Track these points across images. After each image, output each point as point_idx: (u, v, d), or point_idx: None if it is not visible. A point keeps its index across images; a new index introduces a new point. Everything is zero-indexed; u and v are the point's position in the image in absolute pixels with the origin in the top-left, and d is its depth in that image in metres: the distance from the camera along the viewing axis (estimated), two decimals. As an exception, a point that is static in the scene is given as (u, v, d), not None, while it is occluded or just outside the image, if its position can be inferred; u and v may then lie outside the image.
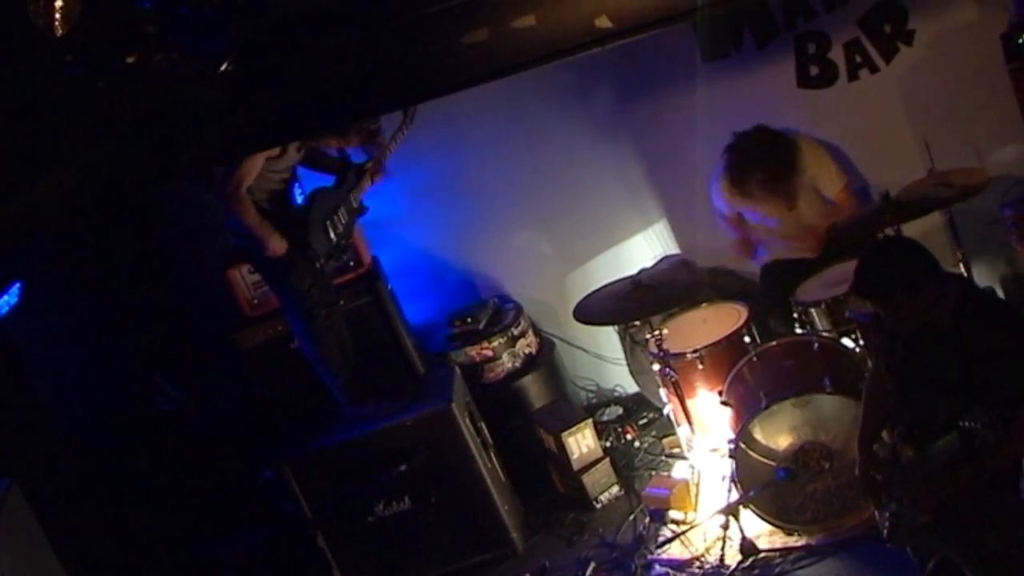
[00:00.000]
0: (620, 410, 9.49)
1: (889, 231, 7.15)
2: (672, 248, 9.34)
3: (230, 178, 7.57)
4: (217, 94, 5.32)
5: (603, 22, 5.62)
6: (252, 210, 7.69)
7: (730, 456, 7.16)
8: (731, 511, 7.13)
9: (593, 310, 8.07)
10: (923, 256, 5.51)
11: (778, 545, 7.19)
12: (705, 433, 7.90)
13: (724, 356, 7.78)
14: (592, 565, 7.62)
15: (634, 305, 7.85)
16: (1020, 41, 7.21)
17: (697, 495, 7.81)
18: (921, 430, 5.57)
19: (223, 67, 4.79)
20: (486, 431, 8.45)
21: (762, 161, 8.07)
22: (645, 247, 9.42)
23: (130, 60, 4.39)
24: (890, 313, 5.51)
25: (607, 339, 9.47)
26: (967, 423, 5.37)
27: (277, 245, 7.77)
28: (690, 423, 7.88)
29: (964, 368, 5.38)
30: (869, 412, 6.09)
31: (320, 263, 8.00)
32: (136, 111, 5.27)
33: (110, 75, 4.56)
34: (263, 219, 7.73)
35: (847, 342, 7.55)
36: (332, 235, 8.11)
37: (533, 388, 9.12)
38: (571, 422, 8.39)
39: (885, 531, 5.77)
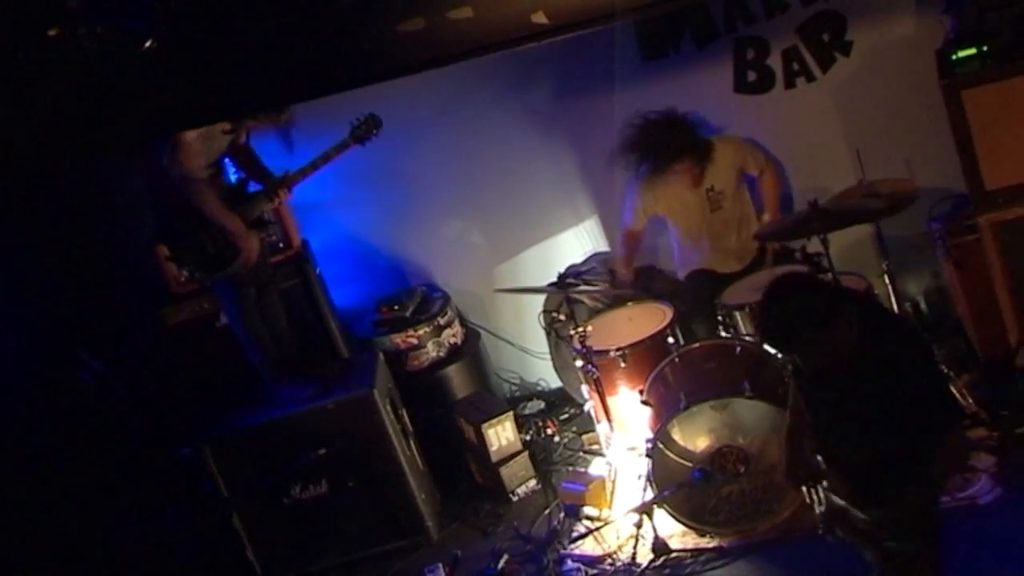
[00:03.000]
0: (542, 404, 9.53)
1: (816, 239, 7.19)
2: (602, 246, 9.36)
3: (171, 161, 7.54)
4: (141, 71, 5.29)
5: (540, 18, 5.64)
6: (214, 200, 7.69)
7: (647, 455, 7.17)
8: (645, 510, 7.14)
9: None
10: (821, 289, 5.45)
11: (690, 546, 7.20)
12: (624, 431, 7.93)
13: (647, 355, 7.81)
14: (505, 557, 7.59)
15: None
16: (954, 57, 7.26)
17: (613, 492, 7.84)
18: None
19: (147, 44, 4.76)
20: (407, 419, 8.44)
21: (676, 136, 8.21)
22: (575, 243, 9.44)
23: (52, 33, 4.36)
24: (804, 354, 5.28)
25: (532, 333, 9.48)
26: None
27: (248, 244, 7.86)
28: (610, 421, 7.90)
29: (886, 385, 5.25)
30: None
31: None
32: (57, 85, 5.24)
33: (31, 48, 4.52)
34: (229, 210, 7.74)
35: (769, 347, 7.59)
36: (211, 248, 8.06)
37: (456, 378, 9.14)
38: (492, 414, 8.40)
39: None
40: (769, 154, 8.65)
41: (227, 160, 8.20)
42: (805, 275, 5.66)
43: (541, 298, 9.12)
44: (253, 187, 8.16)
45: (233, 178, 8.31)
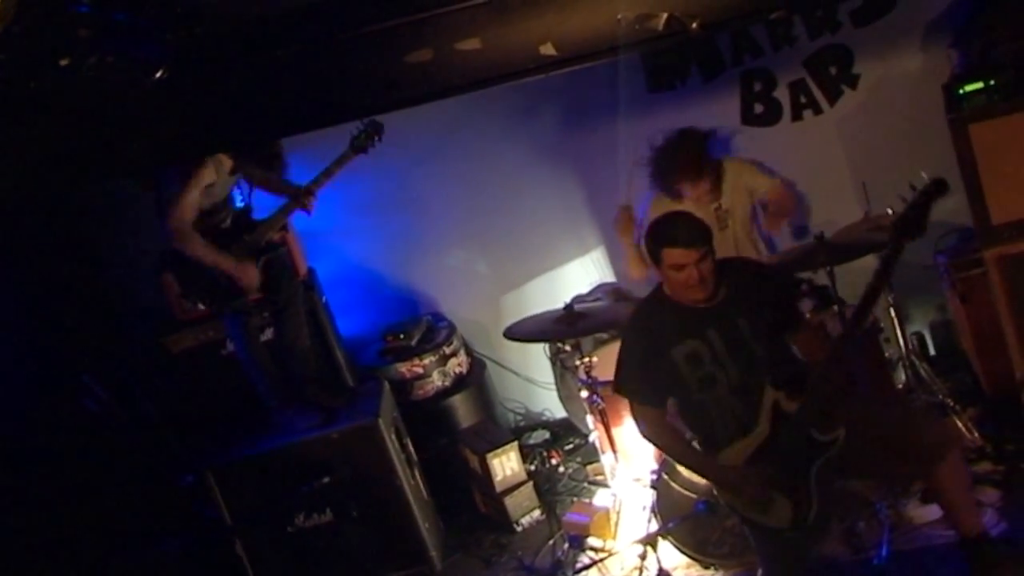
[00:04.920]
0: (547, 434, 9.52)
1: (823, 272, 7.21)
2: (608, 276, 9.36)
3: (171, 215, 7.56)
4: (151, 101, 5.31)
5: (548, 49, 5.65)
6: (199, 245, 7.69)
7: (652, 486, 7.17)
8: (649, 541, 7.13)
9: (522, 329, 8.08)
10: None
11: (694, 577, 7.20)
12: (629, 462, 7.91)
13: (652, 386, 7.79)
14: (508, 588, 7.62)
15: (563, 328, 7.88)
16: (960, 92, 7.27)
17: (617, 523, 7.81)
18: (782, 380, 5.82)
19: (158, 74, 4.78)
20: (411, 448, 8.44)
21: (690, 153, 8.13)
22: (581, 274, 9.45)
23: (63, 63, 4.37)
24: (696, 264, 5.76)
25: (538, 363, 9.47)
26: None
27: (246, 273, 7.88)
28: (615, 451, 7.88)
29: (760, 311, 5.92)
30: (681, 442, 6.35)
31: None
32: (68, 114, 5.25)
33: (42, 77, 4.54)
34: (217, 250, 7.75)
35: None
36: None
37: (461, 407, 9.12)
38: (497, 443, 8.40)
39: (797, 518, 5.93)
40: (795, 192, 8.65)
41: (239, 194, 8.22)
42: None
43: (547, 328, 9.12)
44: (258, 214, 8.17)
45: (239, 202, 8.32)
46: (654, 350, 6.05)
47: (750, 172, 8.43)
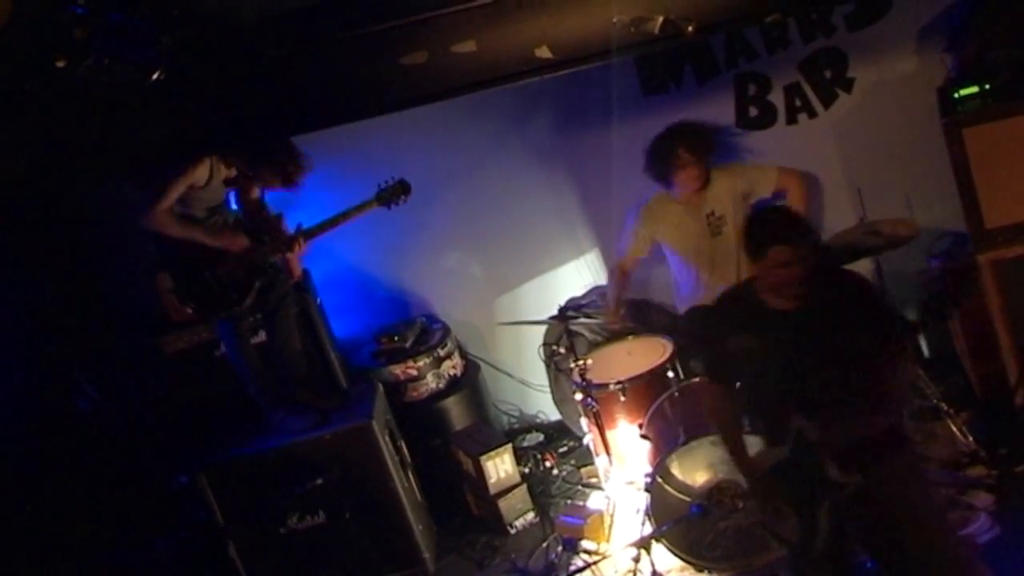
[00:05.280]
0: (541, 437, 9.51)
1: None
2: (602, 279, 9.35)
3: (153, 202, 7.55)
4: (147, 102, 5.31)
5: (543, 52, 5.67)
6: (175, 224, 7.66)
7: (646, 489, 7.19)
8: (643, 544, 7.12)
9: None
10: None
11: (687, 580, 7.21)
12: (623, 465, 7.92)
13: (646, 389, 7.81)
14: (501, 590, 7.63)
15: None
16: (955, 96, 7.29)
17: (611, 526, 7.83)
18: (818, 406, 5.61)
19: (154, 75, 4.78)
20: (405, 450, 8.43)
21: (683, 141, 8.18)
22: (575, 276, 9.45)
23: (59, 64, 4.37)
24: (794, 262, 5.50)
25: (532, 365, 9.48)
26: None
27: (235, 242, 7.82)
28: (609, 454, 7.90)
29: (834, 334, 5.54)
30: (733, 434, 6.16)
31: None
32: (64, 115, 5.25)
33: (38, 78, 4.54)
34: (192, 224, 7.71)
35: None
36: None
37: (455, 409, 9.12)
38: (491, 446, 8.39)
39: (803, 542, 5.79)
40: (798, 171, 8.62)
41: (233, 199, 8.21)
42: None
43: (541, 330, 9.11)
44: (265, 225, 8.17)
45: (235, 208, 8.31)
46: (722, 331, 5.93)
47: (741, 173, 8.44)
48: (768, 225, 5.65)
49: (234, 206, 8.28)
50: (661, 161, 8.24)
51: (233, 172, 7.74)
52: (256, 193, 8.17)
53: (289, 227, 8.04)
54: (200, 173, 7.57)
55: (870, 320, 5.62)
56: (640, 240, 8.52)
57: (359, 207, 7.90)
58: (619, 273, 8.67)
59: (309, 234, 7.95)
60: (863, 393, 5.54)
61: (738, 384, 6.04)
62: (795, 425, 5.63)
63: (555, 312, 8.10)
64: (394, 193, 7.90)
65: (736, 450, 6.11)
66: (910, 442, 5.82)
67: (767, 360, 5.71)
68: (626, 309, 8.70)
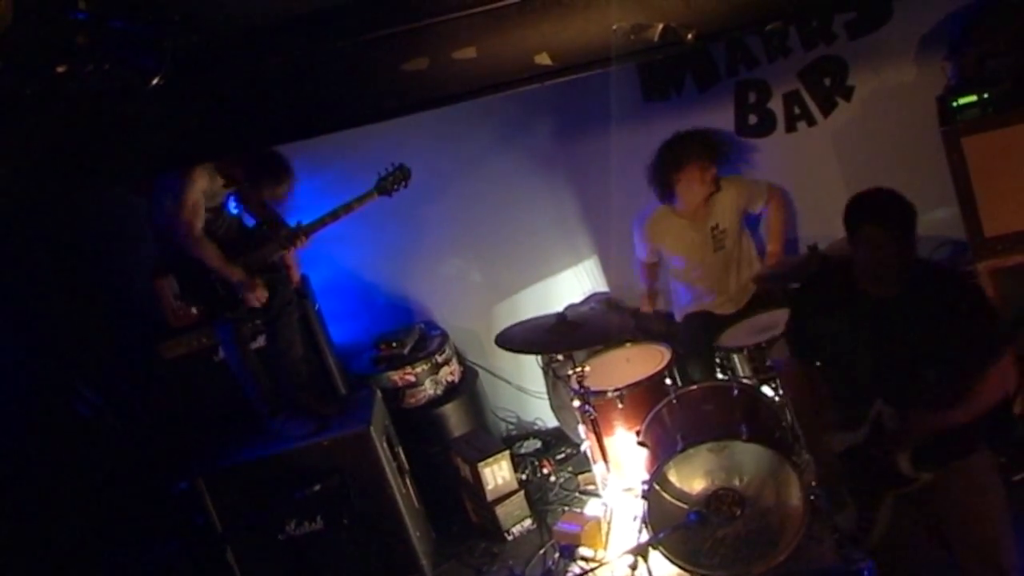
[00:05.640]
0: (538, 444, 9.54)
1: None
2: (601, 286, 9.38)
3: (180, 219, 7.55)
4: (148, 108, 5.31)
5: (543, 59, 5.65)
6: (213, 251, 7.70)
7: (643, 496, 7.17)
8: (640, 552, 7.12)
9: (515, 338, 8.09)
10: None
11: (685, 588, 7.21)
12: (620, 472, 7.92)
13: (644, 397, 7.79)
14: (499, 596, 7.63)
15: (556, 338, 7.88)
16: (954, 104, 7.30)
17: (608, 533, 7.82)
18: (904, 396, 5.50)
19: (155, 81, 4.77)
20: (403, 456, 8.44)
21: (693, 148, 8.27)
22: (574, 283, 9.47)
23: (60, 70, 4.37)
24: (895, 240, 5.34)
25: (530, 372, 9.49)
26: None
27: (254, 292, 7.92)
28: (606, 461, 7.89)
29: (933, 329, 5.40)
30: (811, 411, 6.01)
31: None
32: (65, 121, 5.25)
33: (39, 84, 4.54)
34: (227, 261, 7.75)
35: (767, 390, 7.62)
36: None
37: (453, 416, 9.11)
38: (488, 452, 8.40)
39: (858, 533, 5.76)
40: (780, 187, 8.69)
41: (233, 202, 8.22)
42: None
43: (539, 337, 9.12)
44: (265, 229, 8.18)
45: (235, 211, 8.32)
46: (808, 310, 5.85)
47: (742, 185, 8.48)
48: (866, 202, 5.51)
49: (234, 210, 8.30)
50: (667, 168, 8.25)
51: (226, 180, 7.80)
52: (256, 197, 8.18)
53: (290, 224, 8.08)
54: (201, 178, 7.59)
55: (972, 318, 5.46)
56: (648, 247, 8.56)
57: (360, 198, 7.95)
58: (646, 269, 8.84)
59: (310, 228, 7.99)
60: (953, 390, 5.42)
61: (818, 363, 5.86)
62: (875, 411, 5.54)
63: (553, 316, 8.08)
64: (395, 180, 7.93)
65: (809, 430, 6.12)
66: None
67: (857, 345, 5.57)
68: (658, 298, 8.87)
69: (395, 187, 7.95)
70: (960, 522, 5.61)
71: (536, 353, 8.85)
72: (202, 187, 7.60)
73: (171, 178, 7.52)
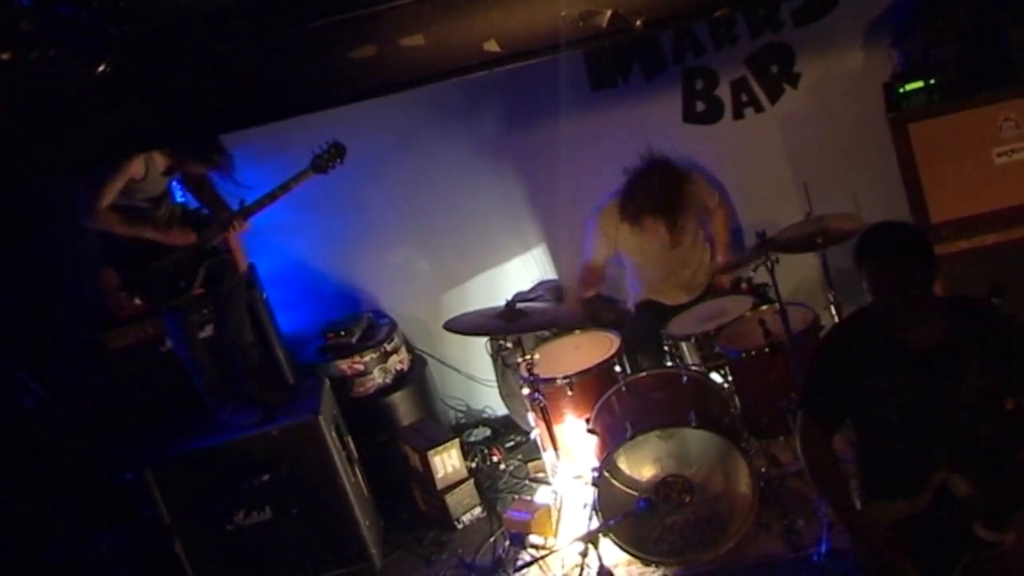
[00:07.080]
0: (488, 432, 9.54)
1: (763, 270, 7.28)
2: (549, 274, 9.37)
3: (93, 200, 7.49)
4: (94, 95, 5.26)
5: (491, 46, 5.64)
6: (116, 221, 7.60)
7: (593, 484, 7.16)
8: (591, 539, 7.13)
9: (462, 323, 8.07)
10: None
11: (635, 575, 7.22)
12: (570, 459, 7.92)
13: (594, 384, 7.81)
14: (449, 585, 7.62)
15: (504, 324, 7.87)
16: (901, 91, 7.34)
17: (558, 521, 7.84)
18: (970, 458, 5.04)
19: (100, 68, 4.73)
20: (352, 445, 8.41)
21: (661, 192, 8.17)
22: (523, 271, 9.46)
23: (5, 57, 4.32)
24: (896, 280, 4.89)
25: (479, 360, 9.47)
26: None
27: (183, 238, 7.79)
28: (556, 449, 7.89)
29: (988, 370, 4.96)
30: (834, 478, 5.42)
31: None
32: (9, 108, 5.20)
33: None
34: (132, 222, 7.65)
35: (715, 377, 7.63)
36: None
37: (402, 405, 9.10)
38: (438, 441, 8.38)
39: None
40: (724, 193, 8.73)
41: (178, 187, 8.17)
42: None
43: (488, 325, 9.12)
44: (209, 212, 8.12)
45: (181, 199, 8.27)
46: (839, 368, 5.26)
47: (699, 185, 8.49)
48: (865, 238, 5.07)
49: (180, 198, 8.24)
50: (634, 208, 8.26)
51: (168, 162, 7.74)
52: (200, 179, 8.12)
53: (232, 207, 8.02)
54: (135, 167, 7.53)
55: (1007, 349, 4.99)
56: (603, 244, 8.54)
57: (296, 177, 7.84)
58: (588, 272, 8.70)
59: (248, 211, 7.90)
60: (1018, 440, 5.01)
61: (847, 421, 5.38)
62: (938, 478, 5.06)
63: (502, 306, 8.06)
64: (330, 157, 7.86)
65: (839, 502, 5.39)
66: None
67: (902, 404, 5.08)
68: (585, 306, 8.72)
69: (330, 164, 7.89)
70: None
71: (484, 335, 8.83)
72: (133, 174, 7.53)
73: (105, 166, 7.46)
